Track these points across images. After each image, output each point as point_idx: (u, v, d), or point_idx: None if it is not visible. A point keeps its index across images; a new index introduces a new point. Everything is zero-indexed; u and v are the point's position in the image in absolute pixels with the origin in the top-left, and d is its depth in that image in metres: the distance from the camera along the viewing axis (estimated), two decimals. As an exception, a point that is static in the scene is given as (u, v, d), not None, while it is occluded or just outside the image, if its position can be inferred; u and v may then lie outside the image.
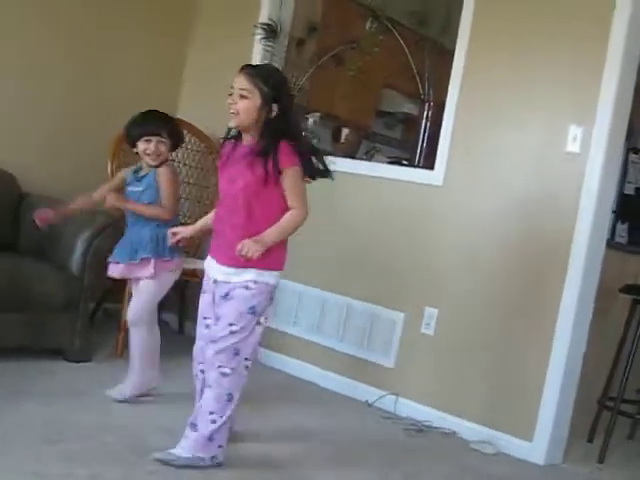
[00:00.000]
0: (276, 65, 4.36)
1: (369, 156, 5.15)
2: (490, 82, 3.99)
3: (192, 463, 2.79)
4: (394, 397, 4.08)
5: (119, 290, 4.35)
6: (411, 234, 4.19)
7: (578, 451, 3.91)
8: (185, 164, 5.03)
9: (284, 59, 4.96)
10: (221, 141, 3.12)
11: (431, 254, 4.11)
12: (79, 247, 3.94)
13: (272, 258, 2.90)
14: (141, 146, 3.51)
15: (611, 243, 4.25)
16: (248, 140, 2.93)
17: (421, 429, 3.86)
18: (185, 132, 4.94)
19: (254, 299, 2.89)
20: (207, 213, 4.79)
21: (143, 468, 2.69)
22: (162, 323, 5.06)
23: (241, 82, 2.87)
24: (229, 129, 3.01)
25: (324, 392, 4.26)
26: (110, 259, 3.54)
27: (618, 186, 5.04)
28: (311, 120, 4.90)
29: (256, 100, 2.85)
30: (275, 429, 3.43)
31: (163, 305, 5.13)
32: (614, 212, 4.84)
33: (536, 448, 3.68)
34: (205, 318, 3.04)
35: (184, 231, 3.27)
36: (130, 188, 3.56)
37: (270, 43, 4.79)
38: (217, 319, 2.93)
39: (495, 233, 3.91)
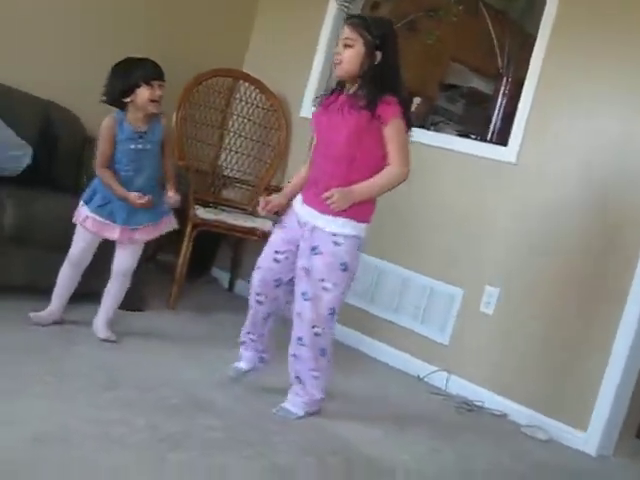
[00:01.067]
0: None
1: (437, 128, 5.04)
2: (571, 65, 3.86)
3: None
4: (446, 374, 4.01)
5: (173, 242, 4.32)
6: (479, 210, 4.10)
7: (628, 446, 3.83)
8: (249, 119, 4.95)
9: (358, 22, 4.84)
10: (322, 95, 3.10)
11: (495, 231, 4.02)
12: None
13: (362, 210, 2.90)
14: (145, 93, 3.21)
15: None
16: (352, 90, 2.92)
17: (472, 408, 3.80)
18: (252, 88, 4.91)
19: (346, 255, 2.89)
20: (267, 171, 4.82)
21: (202, 422, 2.65)
22: (212, 279, 5.10)
23: (346, 32, 2.88)
24: (337, 82, 3.01)
25: (377, 363, 4.21)
26: (101, 216, 3.29)
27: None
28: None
29: (359, 48, 2.85)
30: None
31: (214, 261, 5.16)
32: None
33: (590, 438, 3.60)
34: (277, 252, 3.03)
35: (277, 199, 3.13)
36: (132, 146, 3.27)
37: (345, 3, 4.67)
38: (305, 271, 2.91)
39: (569, 217, 3.80)
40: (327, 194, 2.79)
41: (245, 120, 4.95)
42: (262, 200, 3.12)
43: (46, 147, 3.95)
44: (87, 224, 3.28)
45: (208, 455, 2.40)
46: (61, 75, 4.30)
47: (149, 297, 4.03)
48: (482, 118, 4.98)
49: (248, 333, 3.18)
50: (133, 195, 3.26)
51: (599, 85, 3.78)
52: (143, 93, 3.21)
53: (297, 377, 3.03)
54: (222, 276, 5.10)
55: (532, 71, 3.99)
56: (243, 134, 4.96)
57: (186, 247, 4.20)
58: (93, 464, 2.15)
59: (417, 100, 4.94)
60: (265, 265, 3.05)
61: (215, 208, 4.47)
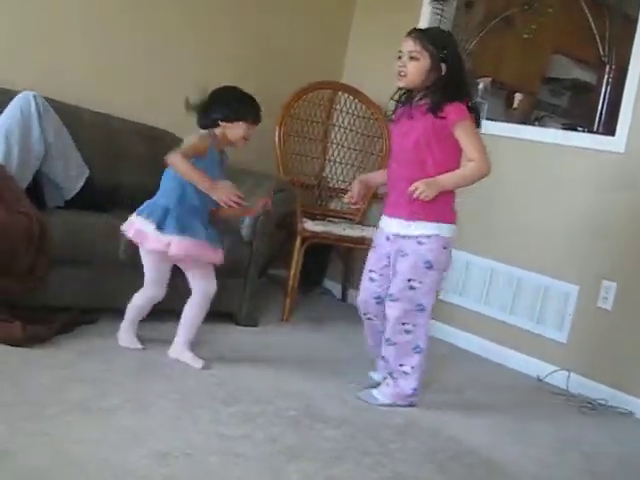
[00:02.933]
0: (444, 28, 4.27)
1: (542, 122, 4.95)
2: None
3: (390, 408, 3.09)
4: (566, 373, 3.92)
5: (283, 256, 4.38)
6: (587, 202, 4.00)
7: None
8: (351, 130, 4.99)
9: (452, 22, 4.82)
10: (392, 103, 3.15)
11: (609, 224, 3.91)
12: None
13: (442, 211, 3.01)
14: (241, 130, 3.17)
15: None
16: (418, 99, 3.01)
17: (595, 407, 3.70)
18: (351, 98, 4.94)
19: (429, 254, 2.99)
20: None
21: (320, 434, 2.67)
22: (325, 290, 5.15)
23: (409, 45, 2.95)
24: (398, 89, 3.08)
25: (491, 364, 4.16)
26: (178, 234, 3.07)
27: None
28: (481, 85, 4.76)
29: (425, 61, 2.94)
30: (442, 400, 3.36)
31: (325, 273, 5.21)
32: None
33: None
34: (371, 271, 3.19)
35: (353, 192, 3.25)
36: (210, 173, 3.10)
37: (439, 6, 4.65)
38: (394, 276, 3.05)
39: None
40: (412, 188, 2.90)
41: (347, 131, 4.98)
42: (347, 197, 3.27)
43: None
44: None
45: (327, 466, 2.42)
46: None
47: (262, 312, 4.09)
48: (587, 109, 4.89)
49: (372, 346, 3.30)
50: (228, 184, 3.08)
51: None
52: (239, 129, 3.18)
53: (390, 373, 3.14)
54: (334, 287, 5.14)
55: (636, 55, 3.87)
56: (346, 145, 4.99)
57: (296, 260, 4.24)
58: (217, 478, 2.20)
59: (519, 97, 4.87)
60: (363, 286, 3.21)
61: (323, 220, 4.51)
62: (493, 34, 4.94)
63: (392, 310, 3.05)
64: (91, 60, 4.22)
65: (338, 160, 4.99)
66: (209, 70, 4.37)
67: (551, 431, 3.26)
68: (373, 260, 3.18)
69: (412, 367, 3.09)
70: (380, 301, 3.14)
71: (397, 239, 3.05)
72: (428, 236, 2.98)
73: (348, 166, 4.99)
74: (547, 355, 4.04)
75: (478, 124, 3.01)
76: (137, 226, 3.13)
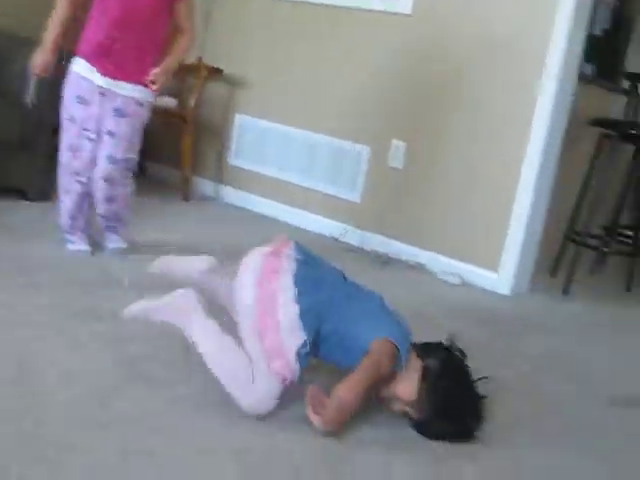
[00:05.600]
0: None
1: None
2: None
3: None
4: (360, 231, 4.05)
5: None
6: (376, 65, 4.07)
7: (543, 284, 3.95)
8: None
9: None
10: None
11: (397, 86, 4.00)
12: (33, 80, 3.68)
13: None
14: None
15: (584, 75, 4.14)
16: None
17: (389, 262, 3.86)
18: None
19: (146, 117, 3.07)
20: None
21: (111, 300, 2.63)
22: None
23: None
24: None
25: (290, 227, 4.22)
26: None
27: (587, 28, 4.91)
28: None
29: None
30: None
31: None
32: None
33: (502, 279, 3.71)
34: (86, 130, 3.01)
35: (41, 56, 3.01)
36: None
37: None
38: (110, 134, 2.99)
39: (463, 64, 3.79)
40: (152, 78, 2.95)
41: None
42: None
43: None
44: None
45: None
46: None
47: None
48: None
49: (75, 217, 3.16)
50: None
51: None
52: None
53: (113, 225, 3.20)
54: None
55: None
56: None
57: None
58: None
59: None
60: (79, 145, 3.04)
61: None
62: None
63: (113, 171, 3.01)
64: None
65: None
66: None
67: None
68: (87, 117, 3.00)
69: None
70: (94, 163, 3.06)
71: (114, 97, 2.97)
72: (148, 100, 3.04)
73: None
74: (342, 215, 4.15)
75: None
76: None
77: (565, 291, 3.90)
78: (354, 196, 4.13)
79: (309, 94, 4.28)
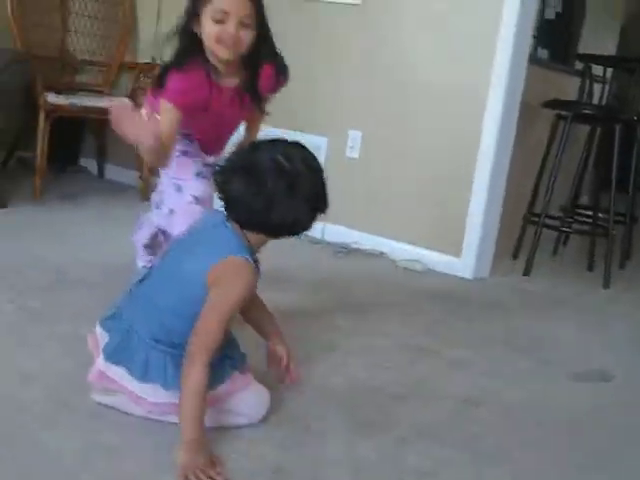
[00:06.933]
0: None
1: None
2: None
3: None
4: (321, 224, 4.04)
5: (32, 137, 4.15)
6: (328, 51, 4.06)
7: (504, 267, 3.99)
8: (90, -3, 4.74)
9: None
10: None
11: (352, 75, 4.00)
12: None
13: None
14: None
15: (534, 58, 4.19)
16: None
17: (350, 251, 3.87)
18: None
19: None
20: (118, 48, 4.65)
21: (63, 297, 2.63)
22: (81, 168, 4.99)
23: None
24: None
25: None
26: None
27: (539, 12, 4.97)
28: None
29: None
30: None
31: (80, 150, 5.02)
32: (535, 37, 4.78)
33: (464, 263, 3.72)
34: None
35: None
36: None
37: None
38: None
39: (420, 49, 3.80)
40: None
41: (85, -1, 4.73)
42: None
43: None
44: None
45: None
46: None
47: (12, 194, 3.91)
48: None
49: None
50: None
51: None
52: None
53: None
54: (90, 164, 4.97)
55: None
56: (86, 13, 4.74)
57: (43, 136, 4.04)
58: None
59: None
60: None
61: (69, 94, 4.31)
62: None
63: None
64: None
65: (80, 30, 4.74)
66: None
67: (305, 276, 3.40)
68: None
69: None
70: None
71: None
72: None
73: (91, 36, 4.75)
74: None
75: None
76: None
77: (526, 272, 3.93)
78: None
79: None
